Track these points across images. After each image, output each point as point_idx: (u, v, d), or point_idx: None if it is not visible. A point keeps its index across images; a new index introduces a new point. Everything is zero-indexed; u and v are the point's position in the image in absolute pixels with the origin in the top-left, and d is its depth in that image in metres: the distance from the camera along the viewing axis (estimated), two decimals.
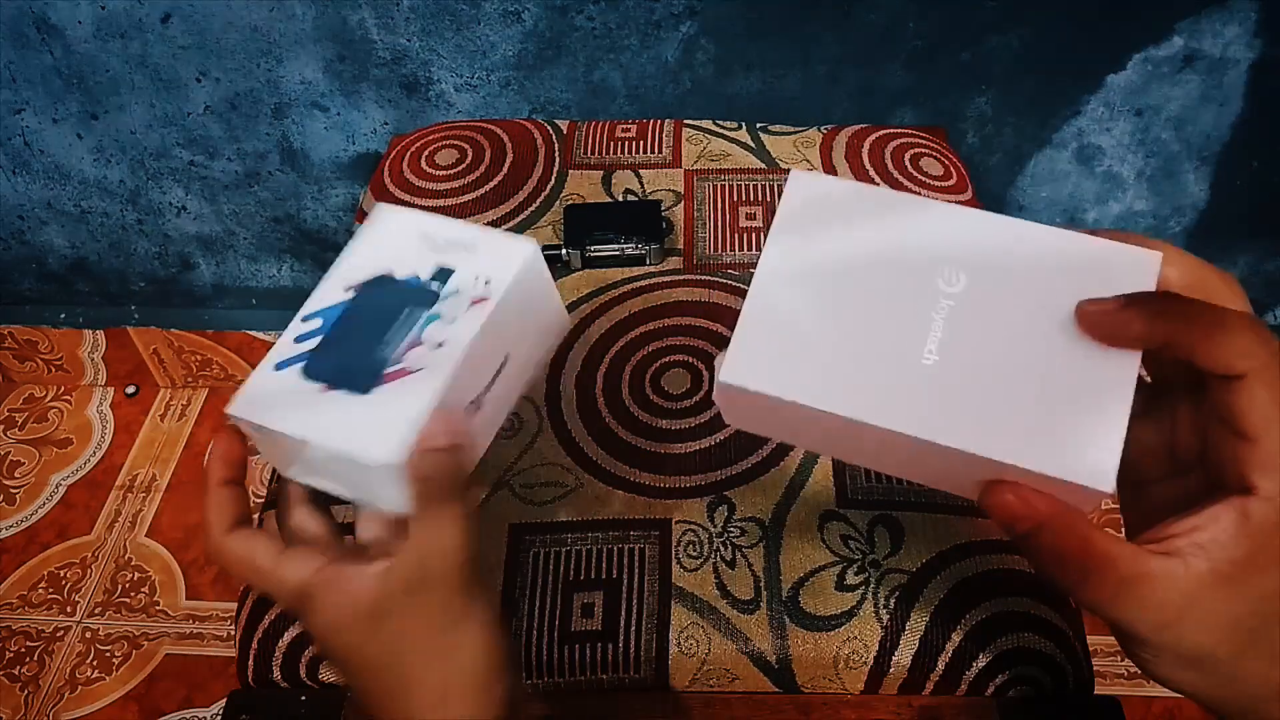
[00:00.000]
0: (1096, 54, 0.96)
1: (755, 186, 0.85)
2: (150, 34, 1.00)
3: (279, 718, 0.62)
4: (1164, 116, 1.00)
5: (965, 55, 0.96)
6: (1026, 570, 0.60)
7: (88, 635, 1.15)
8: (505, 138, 0.91)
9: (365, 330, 0.48)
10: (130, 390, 1.41)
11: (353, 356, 0.47)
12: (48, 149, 1.13)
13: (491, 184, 0.86)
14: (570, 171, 0.88)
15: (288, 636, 0.60)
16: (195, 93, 1.06)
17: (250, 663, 0.61)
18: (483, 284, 0.48)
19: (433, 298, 0.49)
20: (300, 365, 0.47)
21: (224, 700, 0.66)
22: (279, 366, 0.47)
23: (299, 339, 0.48)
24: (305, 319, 0.48)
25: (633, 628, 0.59)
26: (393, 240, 0.51)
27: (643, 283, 0.77)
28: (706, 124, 0.92)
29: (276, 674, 0.61)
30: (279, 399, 0.46)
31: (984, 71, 0.97)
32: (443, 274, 0.49)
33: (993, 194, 1.08)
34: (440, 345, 0.46)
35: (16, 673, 1.12)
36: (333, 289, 0.49)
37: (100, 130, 1.10)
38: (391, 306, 0.48)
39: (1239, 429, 0.31)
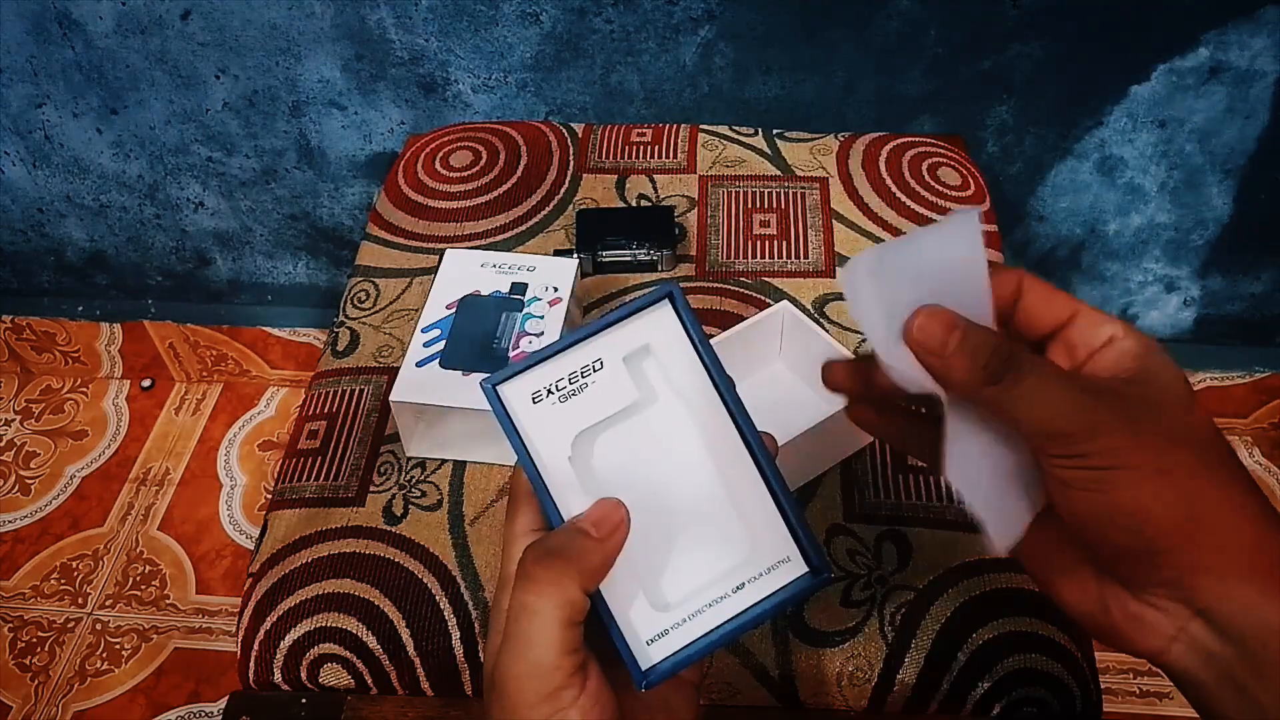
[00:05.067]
0: (1120, 64, 0.95)
1: (770, 194, 0.84)
2: (170, 30, 1.01)
3: (279, 719, 0.62)
4: (1188, 128, 0.98)
5: (986, 63, 0.95)
6: (1034, 590, 0.59)
7: (98, 627, 1.16)
8: (520, 140, 0.91)
9: (477, 332, 0.65)
10: (146, 383, 1.41)
11: (477, 350, 0.63)
12: (68, 143, 1.13)
13: (505, 187, 0.86)
14: (584, 175, 0.87)
15: (289, 639, 0.60)
16: (214, 89, 1.06)
17: (252, 664, 0.61)
18: (552, 290, 0.67)
19: (520, 304, 0.67)
20: (435, 361, 0.63)
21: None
22: (419, 364, 0.63)
23: (426, 344, 0.64)
24: (425, 330, 0.65)
25: None
26: (466, 271, 0.69)
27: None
28: (722, 129, 0.92)
29: (278, 676, 0.61)
30: (432, 385, 0.62)
31: (1005, 80, 0.96)
32: (518, 288, 0.68)
33: (1011, 204, 1.07)
34: (541, 334, 0.64)
35: (27, 663, 1.13)
36: (436, 308, 0.66)
37: (120, 125, 1.11)
38: (490, 313, 0.66)
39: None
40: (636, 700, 0.36)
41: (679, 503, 0.36)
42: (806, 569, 0.36)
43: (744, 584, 0.36)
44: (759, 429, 0.36)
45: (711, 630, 0.35)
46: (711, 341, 0.38)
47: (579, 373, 0.35)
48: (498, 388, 0.35)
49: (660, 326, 0.36)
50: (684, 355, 0.36)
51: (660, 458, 0.36)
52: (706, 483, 0.36)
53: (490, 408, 0.35)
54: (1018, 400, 0.32)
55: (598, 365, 0.35)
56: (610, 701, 0.34)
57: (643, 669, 0.34)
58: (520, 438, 0.34)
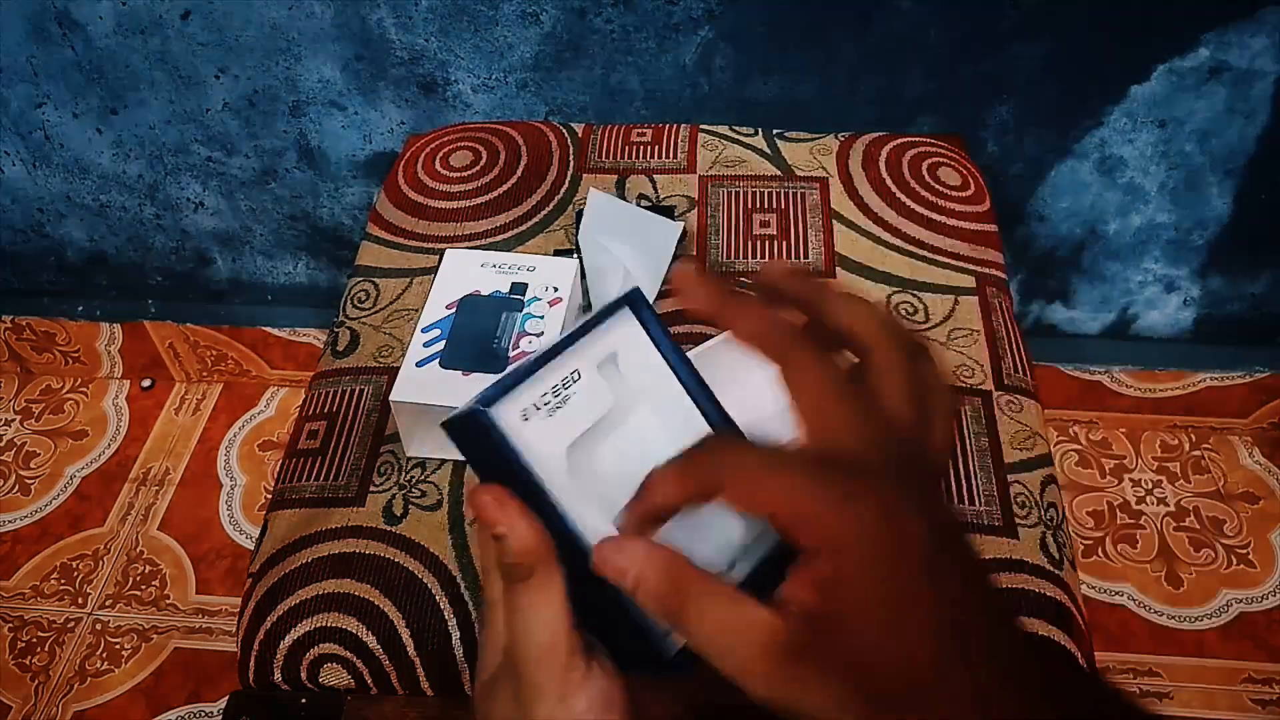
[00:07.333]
0: (1121, 64, 0.95)
1: (770, 194, 0.84)
2: (170, 30, 1.01)
3: (279, 719, 0.62)
4: (1188, 128, 0.98)
5: (987, 63, 0.95)
6: (1034, 591, 0.59)
7: (98, 627, 1.16)
8: (520, 140, 0.91)
9: (477, 332, 0.65)
10: (146, 383, 1.41)
11: (478, 350, 0.64)
12: (68, 143, 1.13)
13: (505, 187, 0.86)
14: (584, 175, 0.87)
15: (289, 639, 0.60)
16: (214, 89, 1.06)
17: (251, 664, 0.61)
18: (552, 290, 0.68)
19: (520, 304, 0.67)
20: (436, 361, 0.63)
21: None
22: (419, 364, 0.63)
23: (426, 344, 0.64)
24: (425, 329, 0.65)
25: None
26: (466, 271, 0.69)
27: None
28: (722, 129, 0.92)
29: (277, 676, 0.61)
30: (432, 385, 0.62)
31: (1006, 80, 0.96)
32: (518, 288, 0.68)
33: (1011, 204, 1.07)
34: (540, 334, 0.64)
35: (27, 663, 1.13)
36: (436, 308, 0.66)
37: (120, 125, 1.11)
38: (491, 313, 0.66)
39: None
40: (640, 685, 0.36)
41: None
42: None
43: (735, 561, 0.37)
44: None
45: None
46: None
47: (560, 385, 0.35)
48: (491, 410, 0.33)
49: (624, 332, 0.37)
50: (648, 356, 0.37)
51: (639, 457, 0.37)
52: None
53: (470, 435, 0.33)
54: None
55: (575, 376, 0.35)
56: (619, 676, 0.34)
57: (674, 652, 0.34)
58: (520, 459, 0.33)
